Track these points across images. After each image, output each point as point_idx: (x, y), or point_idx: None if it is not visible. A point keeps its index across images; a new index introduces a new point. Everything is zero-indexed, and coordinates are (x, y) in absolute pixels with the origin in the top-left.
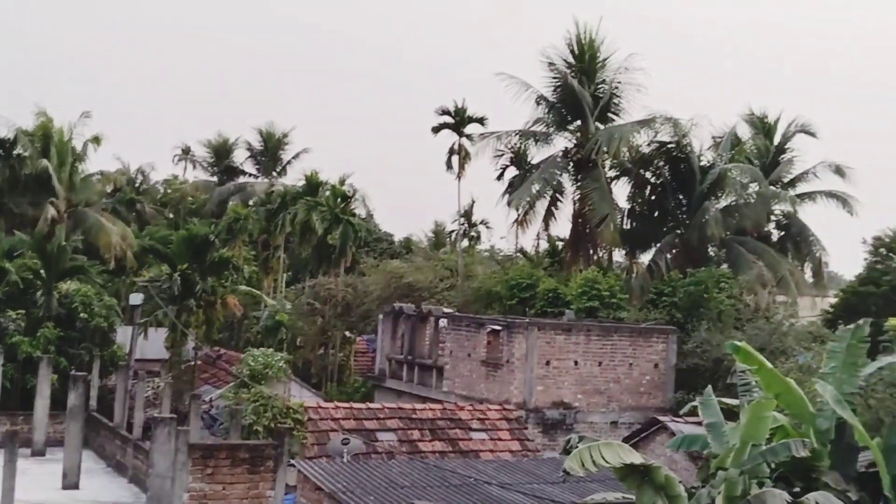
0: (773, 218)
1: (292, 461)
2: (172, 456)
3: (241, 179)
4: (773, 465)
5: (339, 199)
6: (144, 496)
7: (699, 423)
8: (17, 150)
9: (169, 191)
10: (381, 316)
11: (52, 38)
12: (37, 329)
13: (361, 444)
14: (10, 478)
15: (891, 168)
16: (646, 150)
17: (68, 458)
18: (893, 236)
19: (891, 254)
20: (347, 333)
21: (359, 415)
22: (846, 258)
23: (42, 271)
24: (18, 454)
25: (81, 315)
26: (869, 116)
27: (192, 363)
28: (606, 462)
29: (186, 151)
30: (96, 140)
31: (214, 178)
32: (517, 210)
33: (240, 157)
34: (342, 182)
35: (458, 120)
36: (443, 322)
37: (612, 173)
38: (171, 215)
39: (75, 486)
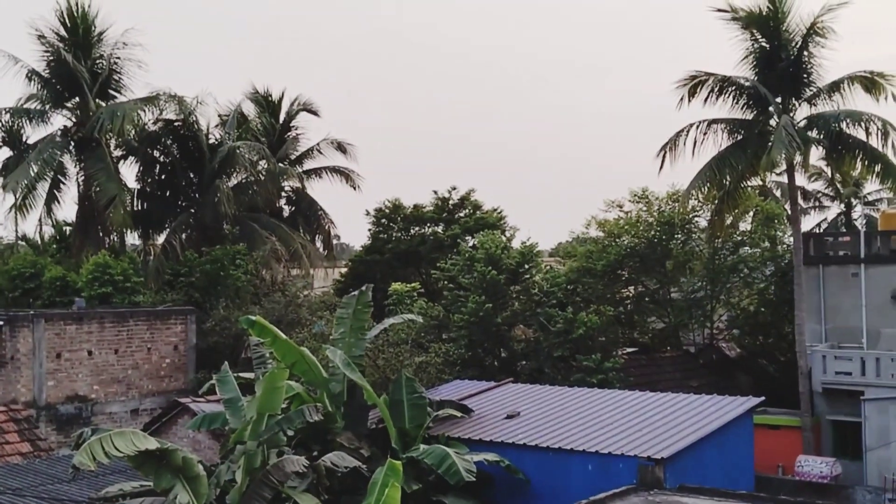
0: (283, 194)
1: None
2: None
3: None
4: (290, 433)
5: None
6: None
7: (220, 401)
8: None
9: None
10: None
11: None
12: None
13: None
14: None
15: (388, 144)
16: (152, 128)
17: None
18: (392, 207)
19: (391, 223)
20: None
21: None
22: (355, 230)
23: None
24: None
25: None
26: (370, 93)
27: None
28: (119, 451)
29: None
30: None
31: None
32: (14, 195)
33: None
34: None
35: None
36: None
37: (118, 152)
38: None
39: None
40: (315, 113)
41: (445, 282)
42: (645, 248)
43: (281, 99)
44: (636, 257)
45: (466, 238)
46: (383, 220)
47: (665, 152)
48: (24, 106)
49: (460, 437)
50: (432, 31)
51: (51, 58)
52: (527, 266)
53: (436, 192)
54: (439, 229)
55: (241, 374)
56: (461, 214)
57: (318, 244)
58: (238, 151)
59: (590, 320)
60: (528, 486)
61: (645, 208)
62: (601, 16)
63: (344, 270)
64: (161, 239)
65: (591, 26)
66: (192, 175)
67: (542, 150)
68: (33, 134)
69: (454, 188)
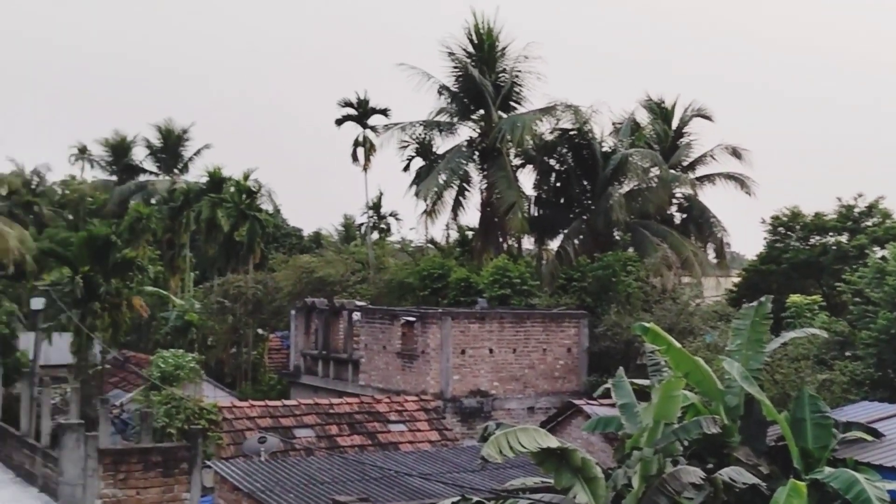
0: (674, 201)
1: (208, 462)
2: (82, 462)
3: (142, 178)
4: (686, 443)
5: (244, 195)
6: None
7: (613, 405)
8: None
9: (67, 192)
10: (293, 312)
11: None
12: None
13: (279, 441)
14: None
15: (784, 149)
16: (549, 137)
17: None
18: (790, 215)
19: (789, 232)
20: (260, 331)
21: (275, 412)
22: (747, 238)
23: None
24: None
25: None
26: (763, 98)
27: (100, 367)
28: (524, 447)
29: (83, 151)
30: None
31: (114, 178)
32: (425, 201)
33: (139, 154)
34: (246, 177)
35: (362, 112)
36: (356, 315)
37: (517, 161)
38: (71, 217)
39: None
40: (708, 118)
41: (851, 295)
42: None
43: (674, 105)
44: None
45: (874, 249)
46: (780, 229)
47: None
48: (435, 119)
49: (870, 463)
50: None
51: (459, 73)
52: None
53: (840, 199)
54: (843, 239)
55: (634, 381)
56: (868, 223)
57: (710, 252)
58: (631, 159)
59: None
60: None
61: None
62: None
63: (736, 280)
64: (555, 244)
65: None
66: (585, 182)
67: None
68: (442, 145)
69: (860, 195)
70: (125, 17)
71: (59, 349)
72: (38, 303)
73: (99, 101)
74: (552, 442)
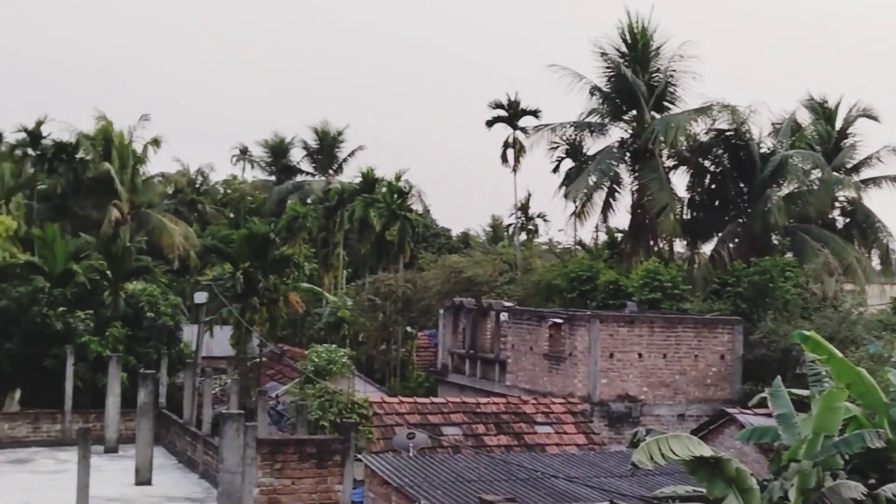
0: (837, 205)
1: (359, 456)
2: (241, 451)
3: (299, 178)
4: (847, 457)
5: (395, 195)
6: (215, 491)
7: (768, 415)
8: (80, 154)
9: (228, 191)
10: (441, 311)
11: (108, 42)
12: (105, 329)
13: (427, 438)
14: (85, 474)
15: None
16: (704, 138)
17: (140, 455)
18: None
19: None
20: (409, 328)
21: (423, 409)
22: None
23: (108, 272)
24: (92, 451)
25: (148, 314)
26: None
27: (257, 360)
28: (675, 455)
29: (244, 152)
30: (156, 142)
31: (272, 178)
32: (574, 202)
33: (296, 155)
34: (398, 178)
35: (512, 113)
36: (504, 316)
37: (669, 163)
38: (232, 215)
39: (148, 482)
40: (875, 118)
41: None
42: None
43: (838, 105)
44: None
45: None
46: None
47: None
48: (586, 120)
49: None
50: None
51: (611, 73)
52: None
53: None
54: None
55: (793, 391)
56: None
57: (874, 259)
58: (791, 160)
59: None
60: None
61: None
62: None
63: None
64: (708, 248)
65: None
66: (741, 184)
67: None
68: (593, 146)
69: None
70: (279, 19)
71: (219, 341)
72: (201, 297)
73: (260, 103)
74: (705, 450)
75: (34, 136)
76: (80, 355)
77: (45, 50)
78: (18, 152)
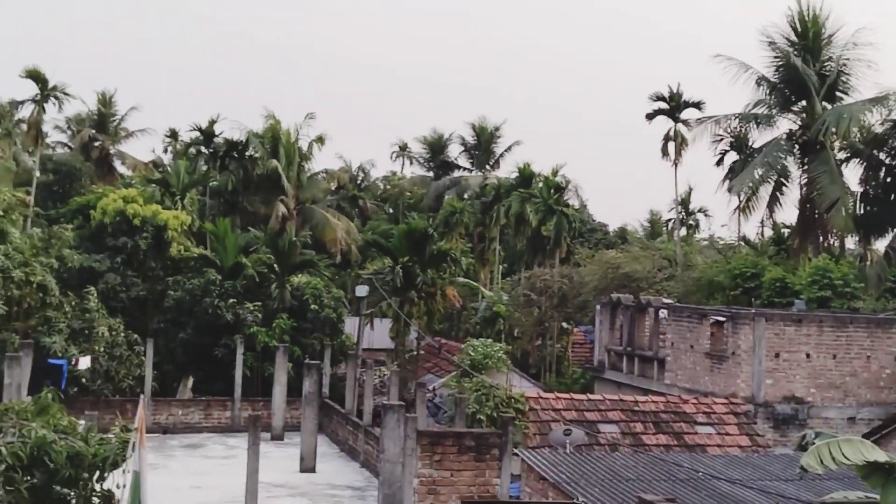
0: None
1: (516, 451)
2: (402, 442)
3: (456, 174)
4: None
5: (552, 190)
6: (376, 480)
7: None
8: (249, 152)
9: (388, 187)
10: (598, 307)
11: (275, 43)
12: (272, 320)
13: (584, 435)
14: (254, 460)
15: None
16: (879, 129)
17: (305, 443)
18: None
19: None
20: (564, 324)
21: (580, 406)
22: None
23: (275, 265)
24: (260, 438)
25: (312, 306)
26: None
27: (415, 352)
28: (847, 459)
29: (403, 148)
30: (320, 140)
31: (430, 174)
32: (739, 196)
33: (454, 151)
34: (555, 173)
35: (674, 105)
36: (663, 313)
37: (841, 155)
38: (391, 210)
39: (312, 470)
40: None
41: None
42: None
43: None
44: None
45: None
46: None
47: None
48: (752, 111)
49: None
50: None
51: (779, 63)
52: None
53: None
54: None
55: None
56: None
57: None
58: None
59: None
60: None
61: None
62: None
63: None
64: (882, 244)
65: None
66: None
67: None
68: (759, 138)
69: None
70: (436, 19)
71: (379, 334)
72: (362, 290)
73: (419, 101)
74: (879, 455)
75: (207, 134)
76: (248, 345)
77: (216, 47)
78: (192, 150)
